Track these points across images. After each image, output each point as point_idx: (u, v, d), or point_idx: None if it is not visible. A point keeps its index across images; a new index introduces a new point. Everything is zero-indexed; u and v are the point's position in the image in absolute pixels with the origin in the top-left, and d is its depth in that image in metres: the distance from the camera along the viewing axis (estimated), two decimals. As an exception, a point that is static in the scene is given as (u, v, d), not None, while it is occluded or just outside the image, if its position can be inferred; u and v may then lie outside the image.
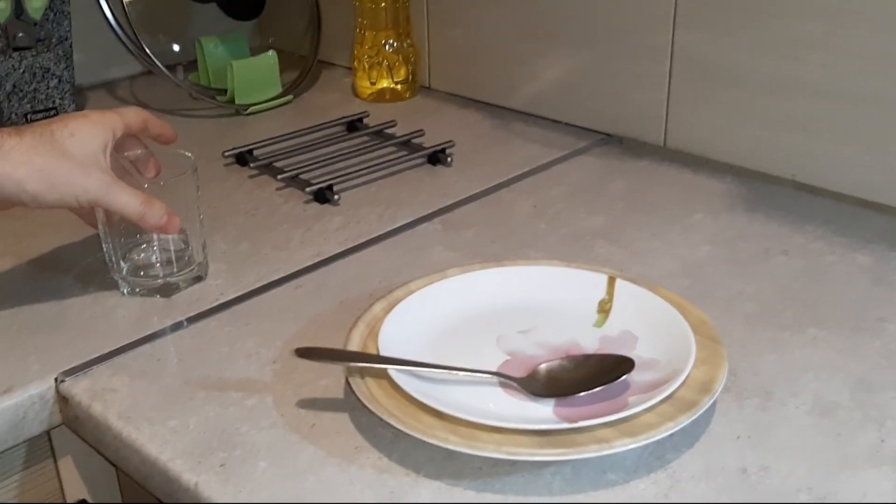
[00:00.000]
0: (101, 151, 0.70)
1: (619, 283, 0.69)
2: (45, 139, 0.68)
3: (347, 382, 0.62)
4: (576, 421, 0.55)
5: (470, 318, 0.68)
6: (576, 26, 1.06)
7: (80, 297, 0.77)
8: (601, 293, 0.69)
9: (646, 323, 0.66)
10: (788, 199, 0.91)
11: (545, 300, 0.69)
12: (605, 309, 0.68)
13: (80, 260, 0.83)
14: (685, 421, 0.55)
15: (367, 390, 0.60)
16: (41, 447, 0.71)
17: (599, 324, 0.68)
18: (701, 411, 0.56)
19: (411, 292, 0.70)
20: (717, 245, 0.83)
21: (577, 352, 0.64)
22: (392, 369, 0.60)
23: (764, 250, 0.81)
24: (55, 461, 0.72)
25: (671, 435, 0.57)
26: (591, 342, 0.65)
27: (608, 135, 1.08)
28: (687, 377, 0.59)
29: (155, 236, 0.77)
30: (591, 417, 0.55)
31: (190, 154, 0.78)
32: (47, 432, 0.69)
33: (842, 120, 0.88)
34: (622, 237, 0.85)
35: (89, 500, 0.71)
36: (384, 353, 0.62)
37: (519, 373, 0.62)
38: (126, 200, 0.70)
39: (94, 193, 0.69)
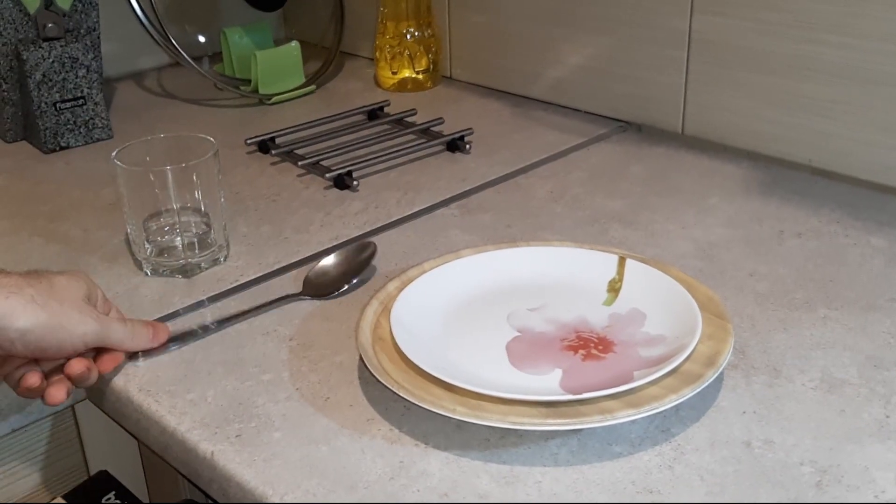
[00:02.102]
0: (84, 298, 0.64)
1: (629, 262, 0.71)
2: (35, 277, 0.62)
3: (361, 359, 0.63)
4: (580, 394, 0.56)
5: (481, 296, 0.70)
6: (594, 13, 1.07)
7: (104, 277, 0.79)
8: (611, 273, 0.70)
9: (654, 301, 0.67)
10: (805, 183, 0.91)
11: (556, 279, 0.71)
12: (615, 288, 0.70)
13: (105, 242, 0.85)
14: (689, 393, 0.56)
15: (380, 364, 0.61)
16: (66, 421, 0.73)
17: (609, 302, 0.69)
18: (705, 384, 0.57)
19: (424, 272, 0.71)
20: (732, 228, 0.83)
21: (586, 329, 0.66)
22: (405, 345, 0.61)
23: (778, 233, 0.82)
24: (79, 434, 0.74)
25: (677, 409, 0.59)
26: (600, 319, 0.67)
27: (627, 122, 1.08)
28: (692, 351, 0.60)
29: (178, 219, 0.79)
30: (595, 390, 0.56)
31: (212, 139, 0.80)
32: (72, 406, 0.71)
33: (859, 103, 0.88)
34: (638, 220, 0.85)
35: (111, 472, 0.73)
36: (396, 328, 0.63)
37: (527, 351, 0.63)
38: (121, 332, 0.65)
39: (96, 331, 0.63)
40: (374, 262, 0.78)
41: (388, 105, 1.15)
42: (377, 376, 0.60)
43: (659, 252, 0.79)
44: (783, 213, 0.85)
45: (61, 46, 1.04)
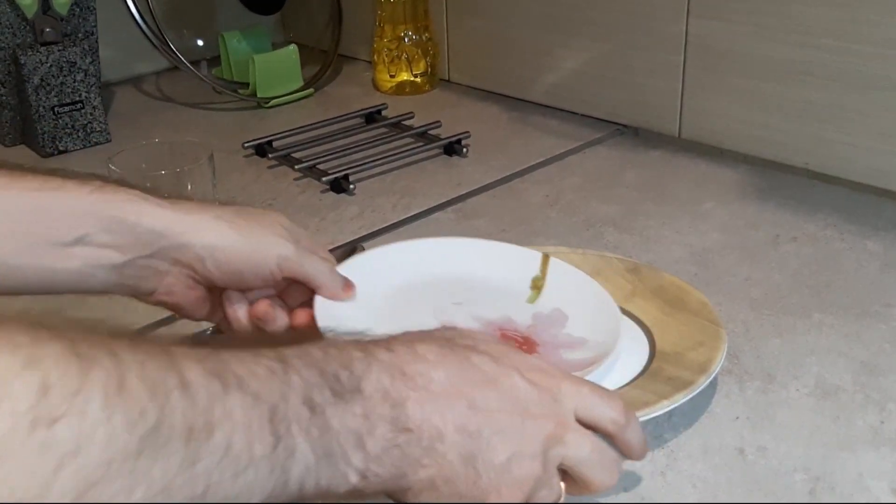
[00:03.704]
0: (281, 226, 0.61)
1: (552, 261, 0.69)
2: (223, 205, 0.60)
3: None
4: None
5: (407, 288, 0.67)
6: (592, 17, 1.07)
7: (99, 283, 0.79)
8: (535, 270, 0.69)
9: (576, 302, 0.66)
10: (801, 187, 0.91)
11: (482, 274, 0.69)
12: (537, 286, 0.68)
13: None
14: (681, 399, 0.56)
15: None
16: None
17: (532, 300, 0.67)
18: (697, 391, 0.57)
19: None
20: (727, 233, 0.83)
21: (511, 327, 0.64)
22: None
23: (773, 238, 0.82)
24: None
25: (670, 415, 0.59)
26: (524, 318, 0.65)
27: (624, 126, 1.08)
28: (615, 359, 0.59)
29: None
30: None
31: (207, 144, 0.80)
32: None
33: (856, 108, 0.88)
34: (633, 225, 0.85)
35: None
36: (321, 320, 0.59)
37: None
38: (319, 266, 0.60)
39: (292, 256, 0.59)
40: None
41: (386, 108, 1.16)
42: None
43: (653, 257, 0.79)
44: (779, 217, 0.85)
45: (59, 51, 1.05)
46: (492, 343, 0.46)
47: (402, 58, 1.22)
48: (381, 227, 0.87)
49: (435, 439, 0.41)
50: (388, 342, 0.43)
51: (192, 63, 1.17)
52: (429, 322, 0.61)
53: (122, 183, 0.58)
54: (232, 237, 0.57)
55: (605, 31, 1.06)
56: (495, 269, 0.69)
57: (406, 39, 1.21)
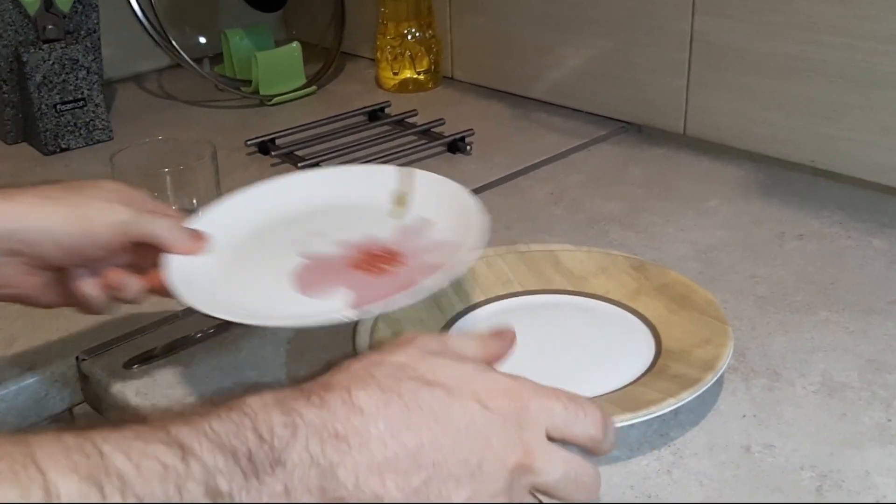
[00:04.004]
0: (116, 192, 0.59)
1: (413, 173, 0.68)
2: (53, 183, 0.58)
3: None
4: (368, 304, 0.55)
5: (266, 229, 0.67)
6: (596, 14, 1.07)
7: (103, 280, 0.79)
8: (397, 186, 0.68)
9: (440, 208, 0.65)
10: (806, 184, 0.91)
11: (340, 202, 0.68)
12: (401, 201, 0.67)
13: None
14: (688, 398, 0.56)
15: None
16: (64, 424, 0.73)
17: (397, 215, 0.66)
18: (703, 388, 0.57)
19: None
20: (732, 230, 0.83)
21: (373, 246, 0.63)
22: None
23: (778, 235, 0.81)
24: (78, 438, 0.74)
25: (676, 413, 0.58)
26: (386, 234, 0.64)
27: (628, 123, 1.08)
28: (471, 249, 0.59)
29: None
30: (383, 299, 0.56)
31: (210, 141, 0.80)
32: (70, 410, 0.71)
33: (861, 104, 0.88)
34: (637, 222, 0.85)
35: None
36: (172, 278, 0.58)
37: (313, 277, 0.61)
38: (158, 224, 0.59)
39: (128, 220, 0.57)
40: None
41: (389, 106, 1.15)
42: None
43: (658, 255, 0.79)
44: (784, 214, 0.85)
45: (61, 48, 1.04)
46: (451, 365, 0.42)
47: (406, 55, 1.22)
48: (384, 224, 0.87)
49: None
50: (322, 390, 0.39)
51: (194, 60, 1.17)
52: (289, 257, 0.62)
53: None
54: (60, 214, 0.55)
55: (609, 28, 1.06)
56: (355, 193, 0.68)
57: (409, 37, 1.21)
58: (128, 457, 0.33)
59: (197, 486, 0.34)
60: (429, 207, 0.66)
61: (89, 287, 0.58)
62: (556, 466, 0.42)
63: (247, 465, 0.35)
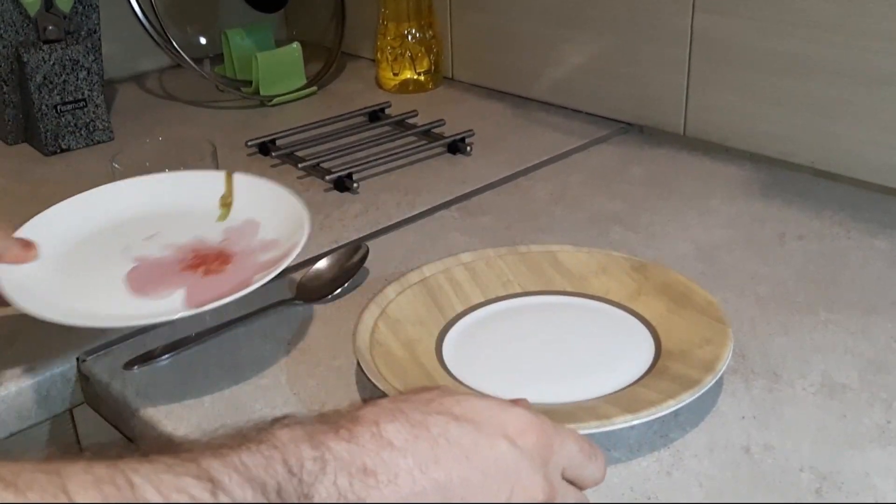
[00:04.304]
0: None
1: (235, 177, 0.74)
2: None
3: (358, 364, 0.63)
4: (203, 304, 0.60)
5: (97, 234, 0.70)
6: (596, 13, 1.07)
7: (103, 281, 0.79)
8: (221, 189, 0.73)
9: (265, 209, 0.70)
10: (807, 185, 0.90)
11: (169, 207, 0.72)
12: (226, 203, 0.72)
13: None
14: (687, 399, 0.56)
15: (377, 369, 0.61)
16: (64, 425, 0.73)
17: (223, 217, 0.71)
18: (703, 390, 0.57)
19: (424, 276, 0.71)
20: (733, 230, 0.83)
21: (203, 247, 0.69)
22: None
23: (779, 235, 0.81)
24: (77, 439, 0.74)
25: (676, 414, 0.58)
26: (216, 235, 0.70)
27: (629, 124, 1.08)
28: (301, 247, 0.65)
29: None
30: (218, 299, 0.61)
31: (210, 141, 0.80)
32: (70, 410, 0.71)
33: (863, 104, 0.87)
34: (638, 222, 0.85)
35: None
36: (6, 288, 0.61)
37: (147, 278, 0.65)
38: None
39: None
40: (367, 264, 0.77)
41: (390, 106, 1.15)
42: (374, 381, 0.59)
43: (659, 254, 0.79)
44: (785, 214, 0.85)
45: (62, 48, 1.04)
46: (476, 401, 0.43)
47: (406, 56, 1.21)
48: (385, 225, 0.87)
49: None
50: (350, 423, 0.39)
51: (194, 60, 1.17)
52: (120, 262, 0.66)
53: None
54: None
55: (610, 28, 1.06)
56: (183, 197, 0.73)
57: (409, 37, 1.21)
58: (158, 490, 0.33)
59: None
60: (253, 208, 0.71)
61: None
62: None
63: (275, 500, 0.35)
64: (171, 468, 0.34)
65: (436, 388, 0.44)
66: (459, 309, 0.69)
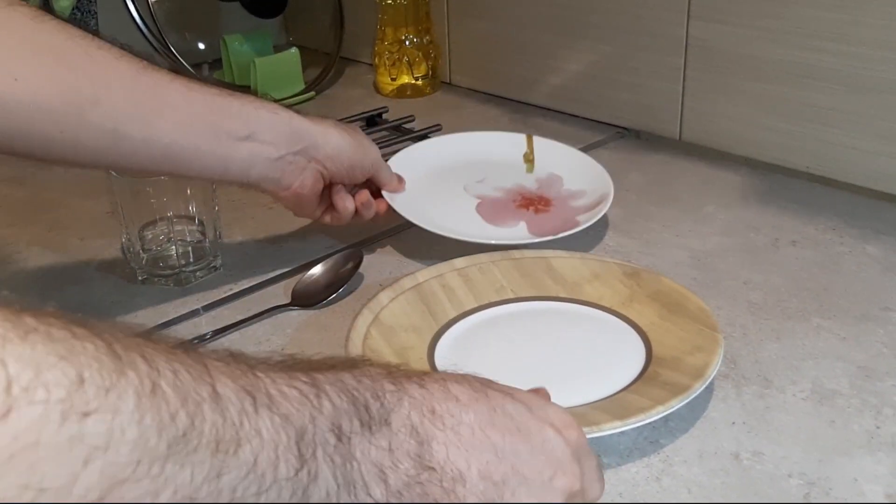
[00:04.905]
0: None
1: (535, 139, 0.91)
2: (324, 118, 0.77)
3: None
4: (545, 235, 0.78)
5: (439, 174, 0.89)
6: (593, 20, 1.07)
7: (100, 286, 0.79)
8: (523, 148, 0.91)
9: (563, 164, 0.88)
10: (802, 190, 0.91)
11: (487, 157, 0.91)
12: (529, 159, 0.91)
13: (101, 250, 0.86)
14: (677, 405, 0.56)
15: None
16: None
17: (529, 170, 0.90)
18: (692, 396, 0.57)
19: (418, 282, 0.71)
20: (727, 236, 0.83)
21: (525, 191, 0.86)
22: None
23: (773, 241, 0.81)
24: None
25: (666, 420, 0.58)
26: (530, 184, 0.88)
27: (626, 129, 1.08)
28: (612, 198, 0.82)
29: (172, 227, 0.79)
30: (555, 232, 0.78)
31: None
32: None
33: (857, 111, 0.88)
34: (633, 228, 0.85)
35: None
36: (397, 205, 0.81)
37: (493, 211, 0.84)
38: (388, 170, 0.82)
39: (378, 160, 0.80)
40: (361, 270, 0.78)
41: (387, 111, 1.16)
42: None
43: (654, 260, 0.79)
44: (779, 220, 0.85)
45: (61, 54, 1.05)
46: (528, 394, 0.47)
47: (404, 61, 1.22)
48: (383, 230, 0.87)
49: (457, 482, 0.41)
50: (421, 377, 0.43)
51: (193, 66, 1.18)
52: (467, 196, 0.86)
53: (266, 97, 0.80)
54: (348, 141, 0.75)
55: (607, 34, 1.06)
56: (495, 152, 0.91)
57: (407, 42, 1.21)
58: (274, 382, 0.37)
59: (325, 420, 0.37)
60: (552, 164, 0.89)
61: (348, 201, 0.78)
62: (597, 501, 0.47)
63: (364, 415, 0.39)
64: (283, 369, 0.39)
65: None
66: (452, 315, 0.70)
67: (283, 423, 0.36)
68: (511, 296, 0.72)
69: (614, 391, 0.59)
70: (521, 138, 0.92)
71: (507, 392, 0.45)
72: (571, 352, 0.65)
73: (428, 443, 0.40)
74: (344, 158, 0.75)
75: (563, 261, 0.74)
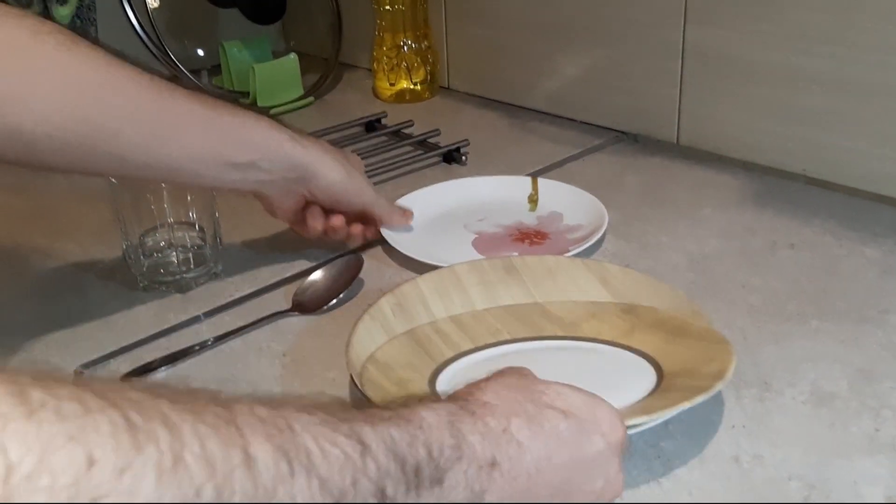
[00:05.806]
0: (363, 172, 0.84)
1: (540, 180, 0.93)
2: (327, 145, 0.80)
3: (351, 376, 0.64)
4: None
5: (442, 215, 0.91)
6: (590, 24, 1.07)
7: (100, 293, 0.80)
8: (528, 189, 0.93)
9: (566, 203, 0.90)
10: (799, 193, 0.91)
11: (490, 199, 0.93)
12: (533, 199, 0.93)
13: (102, 257, 0.86)
14: (676, 410, 0.56)
15: (370, 382, 0.61)
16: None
17: (532, 209, 0.92)
18: (713, 393, 0.56)
19: (410, 327, 0.69)
20: (725, 239, 0.83)
21: (523, 227, 0.88)
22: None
23: (770, 244, 0.82)
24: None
25: (667, 424, 0.59)
26: (530, 221, 0.90)
27: (623, 133, 1.09)
28: (605, 228, 0.83)
29: (173, 234, 0.79)
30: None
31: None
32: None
33: (853, 113, 0.88)
34: (631, 232, 0.86)
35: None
36: (393, 241, 0.83)
37: (489, 244, 0.85)
38: (385, 207, 0.83)
39: (372, 200, 0.81)
40: (362, 275, 0.78)
41: (386, 117, 1.16)
42: (367, 395, 0.60)
43: (651, 264, 0.79)
44: (777, 223, 0.85)
45: (60, 62, 1.05)
46: (574, 397, 0.48)
47: (402, 66, 1.22)
48: (381, 236, 0.88)
49: None
50: (483, 413, 0.43)
51: (192, 72, 1.18)
52: (465, 233, 0.87)
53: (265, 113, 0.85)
54: (343, 177, 0.77)
55: (604, 39, 1.07)
56: (499, 193, 0.93)
57: (405, 48, 1.22)
58: (315, 439, 0.35)
59: (369, 483, 0.36)
60: (555, 203, 0.91)
61: (318, 221, 0.79)
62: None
63: (412, 478, 0.38)
64: (326, 423, 0.36)
65: (520, 371, 0.50)
66: (449, 354, 0.67)
67: (320, 487, 0.34)
68: (507, 337, 0.69)
69: (625, 405, 0.58)
70: (526, 181, 0.94)
71: (558, 407, 0.46)
72: (580, 380, 0.62)
73: (481, 495, 0.41)
74: (334, 192, 0.77)
75: (557, 305, 0.71)
